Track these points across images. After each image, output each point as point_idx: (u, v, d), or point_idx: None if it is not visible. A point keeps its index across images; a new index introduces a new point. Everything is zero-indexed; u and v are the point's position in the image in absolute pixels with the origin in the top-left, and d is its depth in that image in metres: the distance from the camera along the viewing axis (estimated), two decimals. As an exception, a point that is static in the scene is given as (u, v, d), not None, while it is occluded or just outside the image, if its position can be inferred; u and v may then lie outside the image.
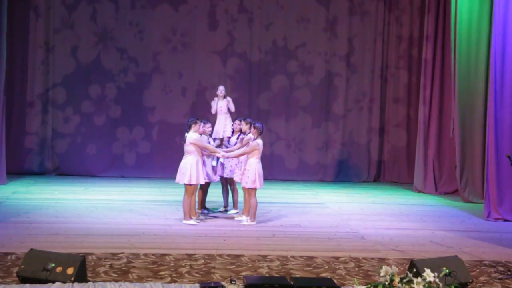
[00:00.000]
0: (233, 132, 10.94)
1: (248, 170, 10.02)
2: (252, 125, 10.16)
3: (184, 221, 10.04)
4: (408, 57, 15.51)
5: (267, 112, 15.41)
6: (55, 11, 14.90)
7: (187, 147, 10.00)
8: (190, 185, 9.96)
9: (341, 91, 15.51)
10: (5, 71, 13.21)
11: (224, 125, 11.11)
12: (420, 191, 14.07)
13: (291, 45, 15.38)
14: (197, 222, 10.13)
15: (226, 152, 10.45)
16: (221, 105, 11.23)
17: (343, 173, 15.52)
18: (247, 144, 10.18)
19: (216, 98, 11.35)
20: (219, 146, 10.96)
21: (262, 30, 15.30)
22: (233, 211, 10.93)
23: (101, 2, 14.98)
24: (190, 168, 9.92)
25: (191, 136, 9.98)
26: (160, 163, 15.06)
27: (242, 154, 10.22)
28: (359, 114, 15.54)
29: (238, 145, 10.48)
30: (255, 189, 10.08)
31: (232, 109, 11.29)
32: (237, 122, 10.76)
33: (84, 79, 15.04)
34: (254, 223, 10.14)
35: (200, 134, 10.29)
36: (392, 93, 15.58)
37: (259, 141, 10.07)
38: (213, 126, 11.02)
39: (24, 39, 14.82)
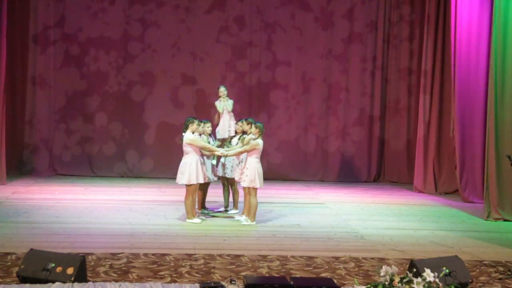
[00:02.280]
0: (236, 133, 10.94)
1: (247, 169, 10.02)
2: (253, 125, 10.15)
3: (188, 220, 10.07)
4: (408, 55, 15.48)
5: (267, 111, 15.40)
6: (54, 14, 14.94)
7: (185, 147, 10.02)
8: (190, 185, 9.98)
9: (341, 92, 15.48)
10: (5, 72, 13.20)
11: (228, 125, 11.10)
12: (420, 191, 14.06)
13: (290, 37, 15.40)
14: (201, 220, 10.15)
15: (226, 150, 10.46)
16: (225, 105, 11.22)
17: (343, 173, 15.50)
18: (247, 143, 10.19)
19: (220, 99, 11.32)
20: (219, 146, 10.95)
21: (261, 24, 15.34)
22: (233, 211, 10.93)
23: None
24: (189, 168, 9.93)
25: (188, 136, 9.99)
26: (160, 163, 15.05)
27: (241, 152, 10.22)
28: (359, 114, 15.52)
29: (239, 144, 10.48)
30: (255, 188, 10.08)
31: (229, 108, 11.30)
32: (239, 123, 10.76)
33: (85, 80, 15.03)
34: (254, 223, 10.14)
35: (200, 134, 10.30)
36: (392, 94, 15.56)
37: (260, 141, 10.08)
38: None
39: (25, 37, 14.82)
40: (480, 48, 12.51)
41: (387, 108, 15.60)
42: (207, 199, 11.09)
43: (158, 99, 15.16)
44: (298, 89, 15.44)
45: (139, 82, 15.12)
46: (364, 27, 15.42)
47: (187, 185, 10.01)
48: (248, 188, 10.08)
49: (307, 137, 15.49)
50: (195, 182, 9.99)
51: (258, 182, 10.02)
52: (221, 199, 11.33)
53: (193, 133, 10.05)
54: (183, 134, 10.05)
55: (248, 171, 10.01)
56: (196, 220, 10.10)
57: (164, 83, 15.17)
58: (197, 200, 10.65)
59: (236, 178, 10.46)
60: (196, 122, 10.10)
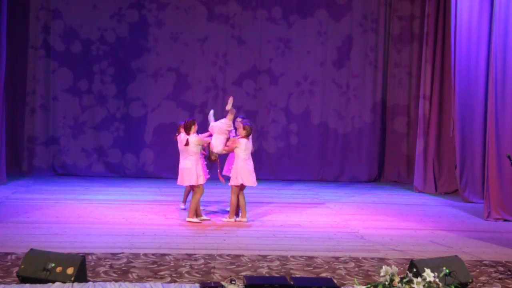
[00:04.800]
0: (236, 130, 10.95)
1: (235, 168, 10.23)
2: (242, 126, 10.34)
3: (188, 219, 10.10)
4: (409, 53, 15.47)
5: (266, 111, 15.40)
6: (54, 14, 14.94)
7: (192, 148, 10.06)
8: (199, 185, 10.08)
9: (340, 95, 15.46)
10: (5, 71, 13.20)
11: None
12: (420, 191, 14.04)
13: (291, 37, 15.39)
14: (200, 221, 10.18)
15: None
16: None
17: (343, 173, 15.49)
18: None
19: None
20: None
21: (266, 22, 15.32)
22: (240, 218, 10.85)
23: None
24: (196, 169, 10.05)
25: (193, 138, 10.08)
26: (160, 163, 15.05)
27: (224, 150, 10.37)
28: (359, 114, 15.50)
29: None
30: (237, 187, 10.23)
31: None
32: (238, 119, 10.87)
33: (85, 80, 15.03)
34: (232, 219, 10.27)
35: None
36: (392, 95, 15.55)
37: (242, 140, 10.24)
38: None
39: (25, 37, 14.82)
40: (480, 48, 12.50)
41: (387, 110, 15.57)
42: (208, 199, 11.10)
43: (158, 99, 15.15)
44: (298, 87, 15.45)
45: (139, 83, 15.10)
46: (362, 31, 15.44)
47: (195, 186, 10.09)
48: (231, 185, 10.26)
49: (306, 138, 15.48)
50: (202, 182, 10.14)
51: (243, 179, 10.18)
52: (221, 198, 11.33)
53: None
54: (188, 136, 10.09)
55: (234, 169, 10.22)
56: (196, 220, 10.14)
57: (164, 84, 15.16)
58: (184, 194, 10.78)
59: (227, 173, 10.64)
60: (195, 123, 10.21)
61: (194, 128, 10.15)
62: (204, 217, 10.34)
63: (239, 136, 10.32)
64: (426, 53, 14.04)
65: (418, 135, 14.23)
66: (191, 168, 10.08)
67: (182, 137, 10.19)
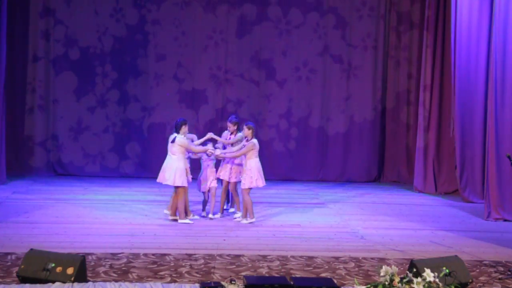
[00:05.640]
0: (231, 133, 10.93)
1: (249, 170, 10.09)
2: (245, 126, 10.30)
3: (180, 220, 10.08)
4: (408, 52, 15.47)
5: (265, 111, 15.40)
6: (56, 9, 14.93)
7: (174, 148, 10.03)
8: (183, 186, 10.04)
9: (341, 95, 15.45)
10: (5, 71, 13.20)
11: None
12: (420, 191, 14.05)
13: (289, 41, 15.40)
14: (192, 221, 10.17)
15: (224, 152, 10.49)
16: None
17: (343, 173, 15.49)
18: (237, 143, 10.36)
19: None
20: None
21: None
22: (238, 214, 10.86)
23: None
24: (176, 170, 9.98)
25: (180, 138, 10.05)
26: (160, 163, 15.02)
27: (238, 155, 10.29)
28: (359, 114, 15.51)
29: (233, 147, 10.56)
30: (249, 188, 10.19)
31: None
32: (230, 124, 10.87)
33: (84, 80, 15.02)
34: (253, 220, 10.24)
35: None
36: (392, 95, 15.55)
37: (254, 141, 10.22)
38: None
39: (25, 38, 14.81)
40: (480, 48, 12.51)
41: (387, 110, 15.57)
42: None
43: (158, 99, 15.14)
44: (297, 86, 15.46)
45: (139, 84, 15.09)
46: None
47: (179, 187, 10.05)
48: (243, 188, 10.20)
49: (307, 138, 15.48)
50: (180, 184, 10.05)
51: (261, 181, 10.17)
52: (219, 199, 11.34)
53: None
54: (176, 135, 10.07)
55: (250, 172, 10.10)
56: (188, 220, 10.12)
57: (164, 84, 15.16)
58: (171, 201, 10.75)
59: (233, 180, 10.54)
60: (187, 123, 10.17)
61: (184, 128, 10.10)
62: (190, 218, 10.34)
63: (249, 138, 10.24)
64: (426, 53, 14.03)
65: (418, 135, 14.22)
66: (171, 168, 10.02)
67: (172, 135, 10.20)
